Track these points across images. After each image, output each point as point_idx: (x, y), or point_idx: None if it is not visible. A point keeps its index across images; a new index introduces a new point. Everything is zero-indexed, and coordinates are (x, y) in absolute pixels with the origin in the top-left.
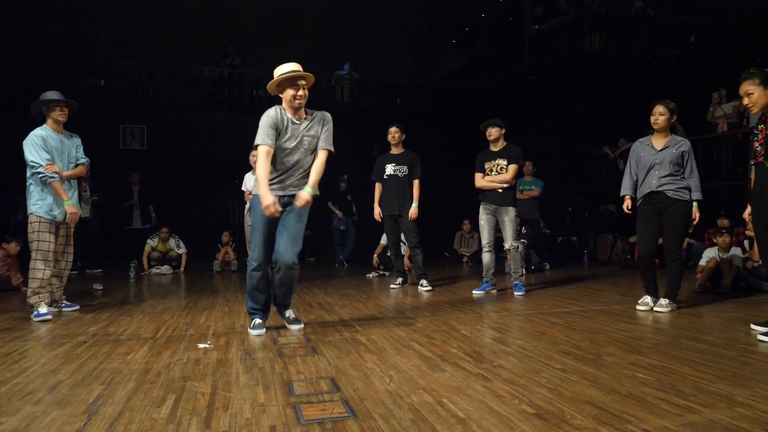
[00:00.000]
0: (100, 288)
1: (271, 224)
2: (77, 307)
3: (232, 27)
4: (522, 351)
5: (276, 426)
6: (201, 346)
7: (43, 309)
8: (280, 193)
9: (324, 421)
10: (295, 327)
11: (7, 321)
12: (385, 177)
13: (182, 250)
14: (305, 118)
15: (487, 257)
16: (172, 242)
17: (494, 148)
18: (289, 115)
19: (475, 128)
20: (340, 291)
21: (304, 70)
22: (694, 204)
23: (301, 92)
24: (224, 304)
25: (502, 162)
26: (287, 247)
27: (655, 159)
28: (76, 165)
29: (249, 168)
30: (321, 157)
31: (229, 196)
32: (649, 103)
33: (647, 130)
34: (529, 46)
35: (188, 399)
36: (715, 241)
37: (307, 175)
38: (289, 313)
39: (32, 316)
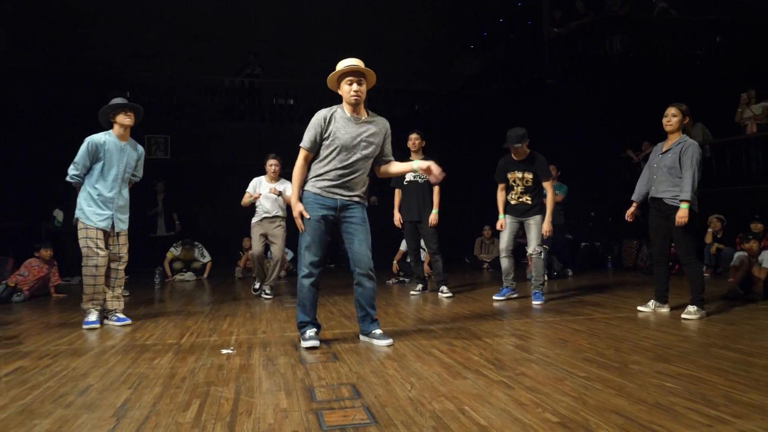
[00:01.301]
0: (127, 294)
1: (322, 227)
2: (129, 321)
3: (251, 38)
4: (545, 358)
5: (298, 431)
6: (224, 351)
7: (92, 317)
8: (343, 194)
9: (346, 427)
10: (382, 342)
11: (39, 327)
12: (404, 183)
13: (207, 259)
14: (366, 119)
15: (505, 262)
16: (195, 252)
17: (517, 157)
18: (348, 113)
19: (494, 133)
20: None
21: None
22: (682, 205)
23: (356, 87)
24: (246, 310)
25: (528, 175)
26: (360, 251)
27: (655, 163)
28: (131, 179)
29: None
30: (394, 163)
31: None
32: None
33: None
34: (548, 50)
35: (212, 404)
36: (743, 248)
37: (364, 184)
38: (379, 330)
39: (83, 324)
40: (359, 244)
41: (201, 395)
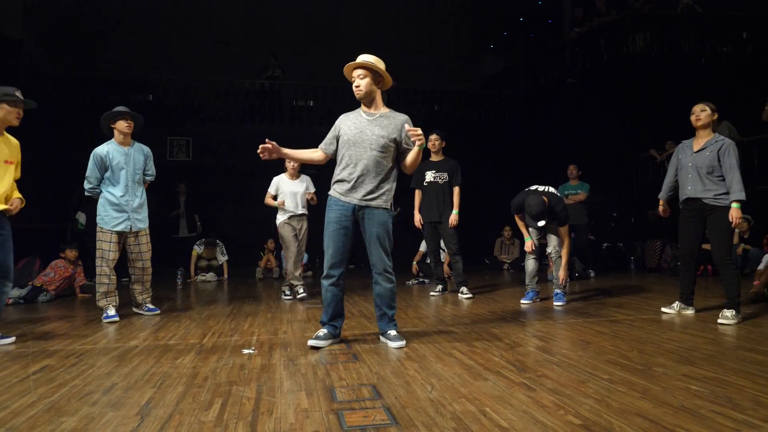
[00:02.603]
0: (150, 294)
1: (344, 230)
2: (158, 311)
3: (271, 40)
4: (567, 360)
5: (319, 431)
6: (246, 351)
7: (111, 311)
8: (359, 197)
9: (366, 427)
10: (394, 344)
11: (65, 326)
12: (425, 184)
13: (224, 258)
14: (379, 115)
15: (531, 264)
16: (217, 250)
17: None
18: (362, 109)
19: (514, 134)
20: None
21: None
22: (733, 205)
23: (356, 82)
24: (267, 311)
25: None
26: (374, 253)
27: (690, 162)
28: (144, 179)
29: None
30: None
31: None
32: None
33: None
34: (569, 49)
35: (234, 403)
36: None
37: (382, 186)
38: (393, 331)
39: (102, 318)
40: (375, 246)
41: (223, 394)
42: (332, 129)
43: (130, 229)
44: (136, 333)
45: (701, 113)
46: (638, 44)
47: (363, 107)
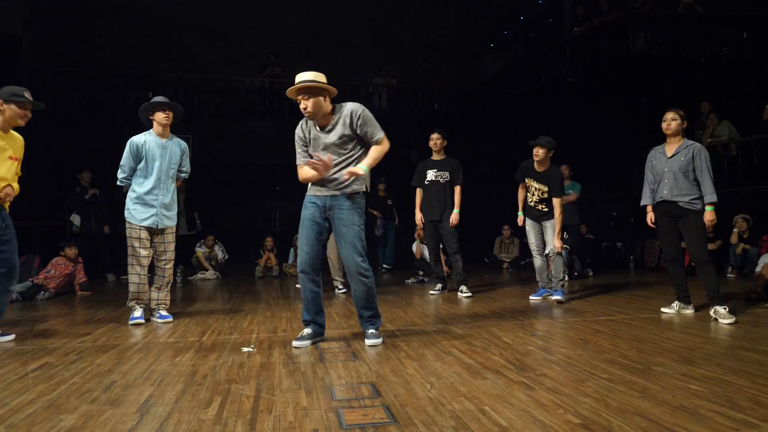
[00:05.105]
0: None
1: (315, 225)
2: (171, 318)
3: (272, 39)
4: (566, 359)
5: (318, 430)
6: (245, 349)
7: (137, 313)
8: (331, 187)
9: (365, 426)
10: (368, 341)
11: (64, 324)
12: (426, 183)
13: (224, 257)
14: (329, 125)
15: (537, 261)
16: (216, 248)
17: (538, 168)
18: (316, 124)
19: (514, 133)
20: (380, 297)
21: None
22: (707, 208)
23: (302, 105)
24: (266, 309)
25: (543, 188)
26: (346, 254)
27: (665, 167)
28: (178, 175)
29: None
30: (375, 149)
31: (270, 202)
32: (698, 104)
33: (696, 132)
34: (569, 48)
35: (233, 401)
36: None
37: (340, 170)
38: (371, 330)
39: (129, 319)
40: (344, 246)
41: (222, 392)
42: (298, 142)
43: (157, 225)
44: (135, 331)
45: (672, 122)
46: (638, 44)
47: (317, 123)
